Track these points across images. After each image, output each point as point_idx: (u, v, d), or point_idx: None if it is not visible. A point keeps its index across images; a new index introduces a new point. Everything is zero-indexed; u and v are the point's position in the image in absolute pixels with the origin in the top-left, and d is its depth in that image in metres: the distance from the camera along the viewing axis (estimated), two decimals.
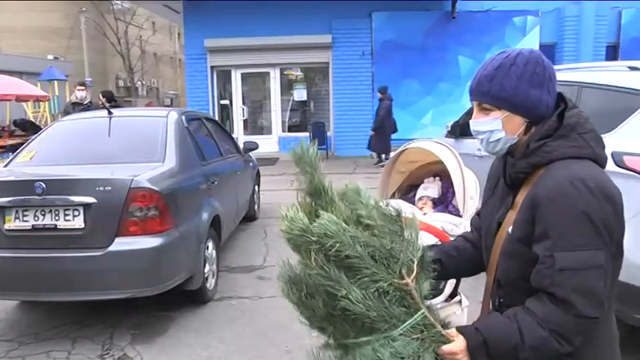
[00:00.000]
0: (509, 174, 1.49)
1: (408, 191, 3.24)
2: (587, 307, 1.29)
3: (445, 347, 1.34)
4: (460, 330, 1.38)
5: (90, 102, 8.80)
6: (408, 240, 1.41)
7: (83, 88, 8.87)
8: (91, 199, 3.66)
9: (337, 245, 1.32)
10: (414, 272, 1.38)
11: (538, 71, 1.42)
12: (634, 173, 3.07)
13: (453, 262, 1.72)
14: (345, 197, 1.55)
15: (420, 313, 1.34)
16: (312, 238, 1.35)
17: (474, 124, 1.51)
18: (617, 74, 3.75)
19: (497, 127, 1.44)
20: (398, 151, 3.17)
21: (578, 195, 1.30)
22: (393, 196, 3.22)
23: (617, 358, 1.48)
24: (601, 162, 1.42)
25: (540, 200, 1.35)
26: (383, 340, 1.31)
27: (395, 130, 12.76)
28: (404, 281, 1.35)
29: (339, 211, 1.47)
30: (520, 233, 1.40)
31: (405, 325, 1.32)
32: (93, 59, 31.86)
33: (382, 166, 12.38)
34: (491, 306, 1.59)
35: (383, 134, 12.49)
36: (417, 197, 3.05)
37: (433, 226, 2.54)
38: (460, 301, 2.65)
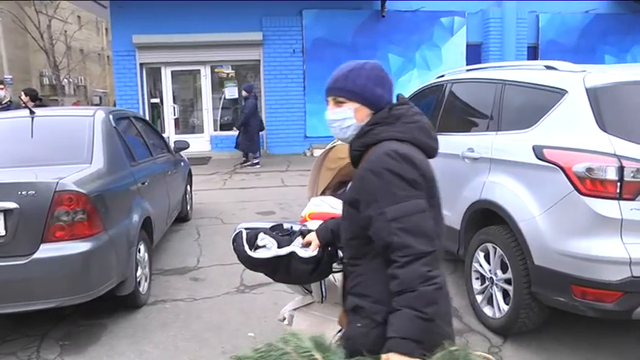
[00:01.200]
0: (351, 154, 1.86)
1: (337, 188, 3.28)
2: (421, 244, 1.58)
3: None
4: (386, 350, 1.56)
5: (10, 101, 8.33)
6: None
7: (2, 86, 8.40)
8: (12, 205, 3.47)
9: None
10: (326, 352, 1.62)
11: (381, 75, 1.83)
12: (553, 165, 3.24)
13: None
14: None
15: None
16: None
17: (329, 114, 1.86)
18: (535, 73, 3.94)
19: (349, 116, 1.81)
20: (327, 147, 3.21)
21: (390, 161, 1.64)
22: (323, 194, 3.26)
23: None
24: (422, 146, 1.76)
25: (363, 173, 1.70)
26: None
27: (262, 129, 12.86)
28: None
29: None
30: (349, 198, 1.78)
31: None
32: (12, 55, 30.12)
33: (248, 165, 12.47)
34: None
35: (250, 133, 12.44)
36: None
37: None
38: None
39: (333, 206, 2.92)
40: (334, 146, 3.13)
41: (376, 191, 1.64)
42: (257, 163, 12.46)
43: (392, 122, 1.76)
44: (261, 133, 13.32)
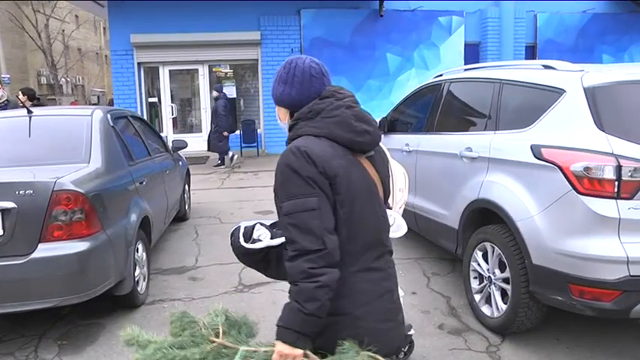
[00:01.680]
0: None
1: None
2: (307, 241, 1.64)
3: (274, 356, 1.67)
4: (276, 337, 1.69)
5: (7, 100, 8.31)
6: (205, 325, 1.96)
7: (0, 86, 8.38)
8: (10, 204, 3.46)
9: None
10: (221, 333, 1.86)
11: (283, 73, 1.90)
12: (551, 164, 3.24)
13: None
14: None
15: (240, 350, 1.75)
16: None
17: (279, 121, 2.03)
18: (533, 72, 3.94)
19: (277, 118, 1.99)
20: None
21: (291, 158, 1.71)
22: None
23: (372, 308, 1.81)
24: (340, 141, 1.79)
25: (275, 167, 1.77)
26: None
27: (233, 130, 12.76)
28: (217, 341, 1.82)
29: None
30: (274, 187, 1.82)
31: None
32: (10, 54, 30.09)
33: (223, 166, 12.39)
34: None
35: (220, 134, 12.27)
36: None
37: None
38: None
39: None
40: None
41: (279, 185, 1.75)
42: (232, 157, 12.40)
43: (312, 117, 1.81)
44: (238, 133, 13.44)
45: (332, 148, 1.76)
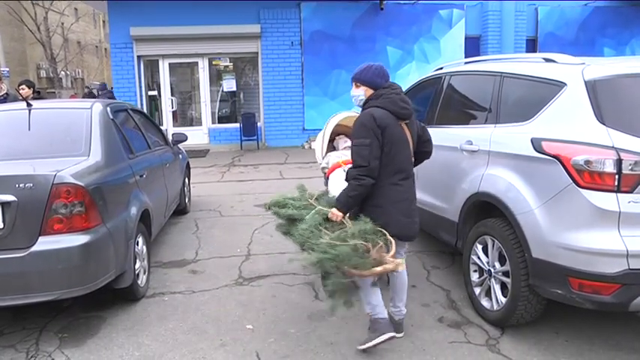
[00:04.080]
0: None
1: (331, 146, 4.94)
2: (358, 162, 3.17)
3: (329, 214, 3.30)
4: None
5: (6, 93, 8.28)
6: (307, 196, 3.72)
7: None
8: (10, 197, 3.46)
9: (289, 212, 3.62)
10: (314, 198, 3.63)
11: (381, 71, 3.40)
12: (551, 158, 3.23)
13: None
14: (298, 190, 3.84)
15: (317, 208, 3.41)
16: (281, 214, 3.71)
17: (353, 92, 3.48)
18: (534, 65, 3.93)
19: (362, 94, 3.44)
20: (343, 116, 4.77)
21: (365, 117, 3.24)
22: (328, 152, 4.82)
23: (394, 212, 3.29)
24: (390, 111, 3.25)
25: (356, 121, 3.32)
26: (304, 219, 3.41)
27: None
28: (311, 201, 3.58)
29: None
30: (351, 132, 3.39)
31: (311, 213, 3.40)
32: (9, 47, 29.97)
33: None
34: None
35: None
36: (342, 147, 4.77)
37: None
38: None
39: (346, 154, 4.26)
40: (348, 116, 4.68)
41: (355, 130, 3.27)
42: None
43: (377, 98, 3.31)
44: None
45: (385, 114, 3.22)
